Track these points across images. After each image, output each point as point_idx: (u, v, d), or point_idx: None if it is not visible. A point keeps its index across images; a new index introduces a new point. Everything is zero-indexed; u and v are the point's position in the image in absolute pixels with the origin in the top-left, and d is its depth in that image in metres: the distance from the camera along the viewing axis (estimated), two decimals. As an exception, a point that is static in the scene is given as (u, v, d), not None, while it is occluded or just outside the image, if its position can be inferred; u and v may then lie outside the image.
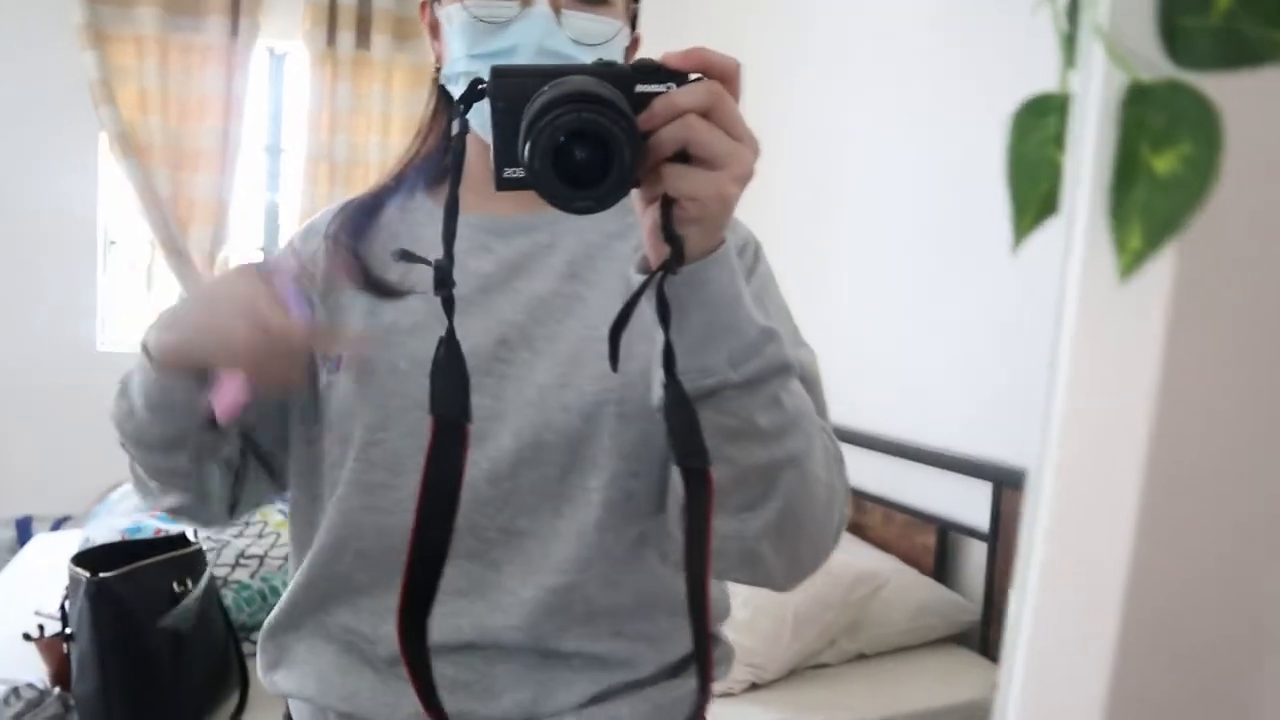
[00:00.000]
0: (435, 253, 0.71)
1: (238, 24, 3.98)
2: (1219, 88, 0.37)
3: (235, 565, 2.48)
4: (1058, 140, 0.43)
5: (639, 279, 0.73)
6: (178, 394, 0.86)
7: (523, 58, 0.86)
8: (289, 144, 4.34)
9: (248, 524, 2.62)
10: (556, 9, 0.87)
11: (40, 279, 3.93)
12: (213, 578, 2.14)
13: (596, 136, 0.64)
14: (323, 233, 1.02)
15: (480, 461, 0.90)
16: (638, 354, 0.84)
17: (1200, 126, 0.36)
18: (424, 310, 0.92)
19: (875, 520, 2.80)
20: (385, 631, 0.92)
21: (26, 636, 2.04)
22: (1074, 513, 0.44)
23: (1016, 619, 0.48)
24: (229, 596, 2.34)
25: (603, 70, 0.69)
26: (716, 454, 0.75)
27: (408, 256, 0.76)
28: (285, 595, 1.00)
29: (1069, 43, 0.42)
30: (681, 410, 0.73)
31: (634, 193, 0.70)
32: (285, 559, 2.49)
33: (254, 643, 2.27)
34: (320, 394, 0.96)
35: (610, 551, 0.91)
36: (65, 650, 1.93)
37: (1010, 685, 0.50)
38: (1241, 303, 0.50)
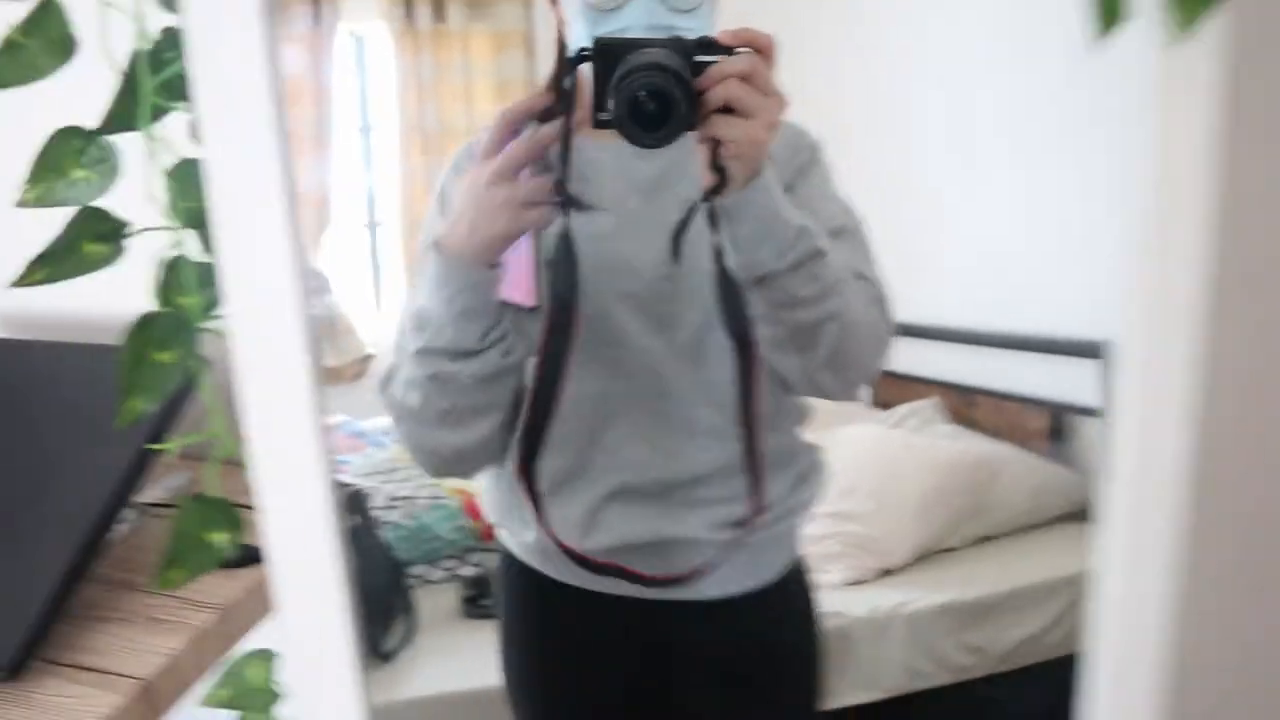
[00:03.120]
0: (589, 174, 1.06)
1: (320, 11, 4.15)
2: None
3: (388, 508, 2.67)
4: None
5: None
6: (481, 286, 1.04)
7: (634, 33, 1.03)
8: (379, 122, 4.51)
9: (393, 470, 2.82)
10: None
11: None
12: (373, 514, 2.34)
13: (661, 95, 0.90)
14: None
15: (679, 331, 1.16)
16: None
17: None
18: (604, 219, 1.14)
19: (987, 412, 2.89)
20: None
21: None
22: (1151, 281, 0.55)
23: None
24: (388, 535, 2.54)
25: (672, 43, 0.94)
26: (775, 318, 1.05)
27: (559, 188, 0.99)
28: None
29: None
30: (730, 294, 1.02)
31: (693, 136, 0.94)
32: (431, 499, 2.68)
33: (414, 576, 2.49)
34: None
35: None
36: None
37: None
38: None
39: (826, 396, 1.16)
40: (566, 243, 0.99)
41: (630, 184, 1.18)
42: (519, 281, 1.09)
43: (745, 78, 0.92)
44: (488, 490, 1.33)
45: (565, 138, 0.98)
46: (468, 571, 2.53)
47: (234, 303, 0.61)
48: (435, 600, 2.44)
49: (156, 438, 0.89)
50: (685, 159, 1.15)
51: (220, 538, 0.62)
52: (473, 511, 2.62)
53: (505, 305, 1.08)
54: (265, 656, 0.73)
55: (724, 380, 1.12)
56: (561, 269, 1.00)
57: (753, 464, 1.10)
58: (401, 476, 2.79)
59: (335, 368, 4.13)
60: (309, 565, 0.69)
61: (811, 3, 3.17)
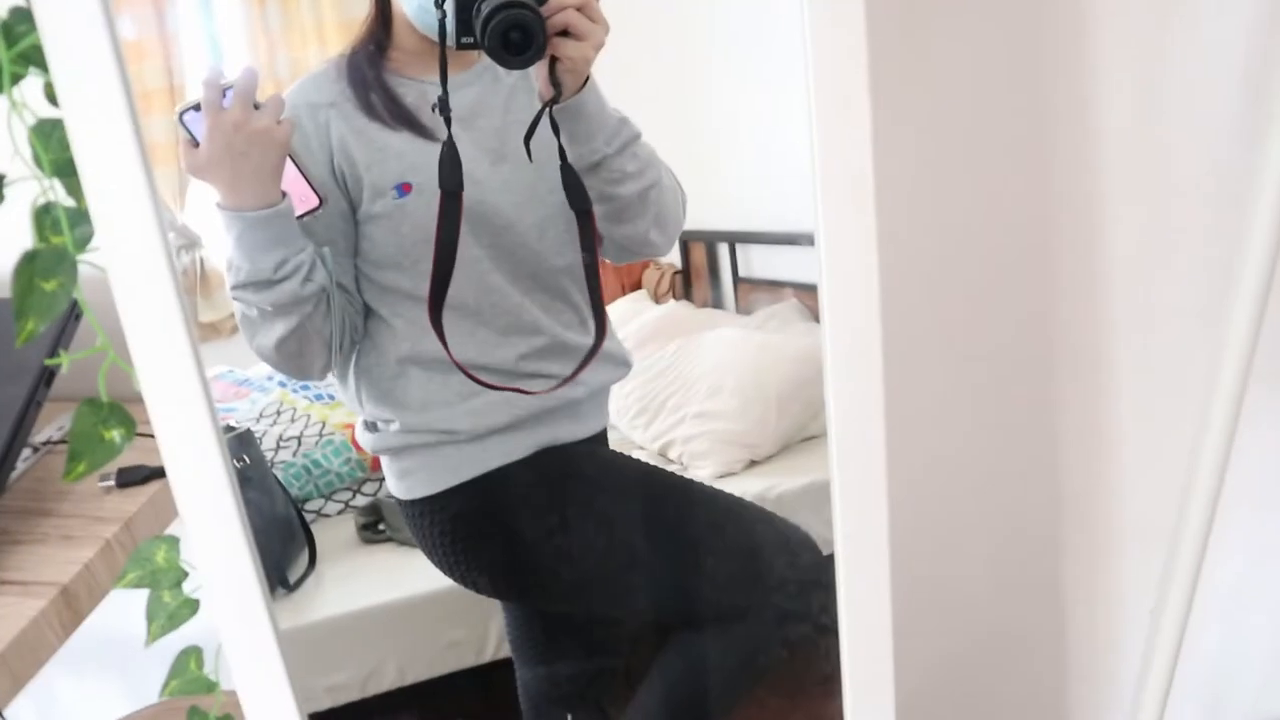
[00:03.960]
0: (419, 106, 1.32)
1: (159, -37, 4.08)
2: None
3: (278, 448, 2.75)
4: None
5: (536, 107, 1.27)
6: (261, 223, 1.21)
7: None
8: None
9: (279, 412, 2.89)
10: None
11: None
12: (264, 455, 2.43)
13: (524, 27, 1.14)
14: (325, 102, 1.42)
15: (503, 237, 1.39)
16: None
17: None
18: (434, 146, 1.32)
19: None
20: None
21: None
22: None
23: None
24: (280, 474, 2.63)
25: None
26: (609, 194, 1.33)
27: (443, 104, 1.25)
28: None
29: None
30: (572, 180, 1.30)
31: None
32: (319, 435, 2.77)
33: (311, 511, 2.59)
34: (387, 213, 1.36)
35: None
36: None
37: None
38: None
39: (656, 254, 1.60)
40: (451, 148, 1.25)
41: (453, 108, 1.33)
42: (298, 194, 1.29)
43: (580, 8, 1.18)
44: (361, 399, 1.50)
45: (443, 61, 1.23)
46: (361, 501, 2.65)
47: (105, 237, 0.72)
48: (333, 531, 2.56)
49: (52, 358, 1.00)
50: (487, 95, 1.42)
51: (114, 434, 0.73)
52: (359, 444, 2.73)
53: (304, 236, 1.26)
54: (170, 541, 0.85)
55: (548, 270, 1.42)
56: (447, 168, 1.25)
57: (595, 299, 1.43)
58: (288, 417, 2.87)
59: (212, 322, 4.14)
60: (200, 460, 0.81)
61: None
